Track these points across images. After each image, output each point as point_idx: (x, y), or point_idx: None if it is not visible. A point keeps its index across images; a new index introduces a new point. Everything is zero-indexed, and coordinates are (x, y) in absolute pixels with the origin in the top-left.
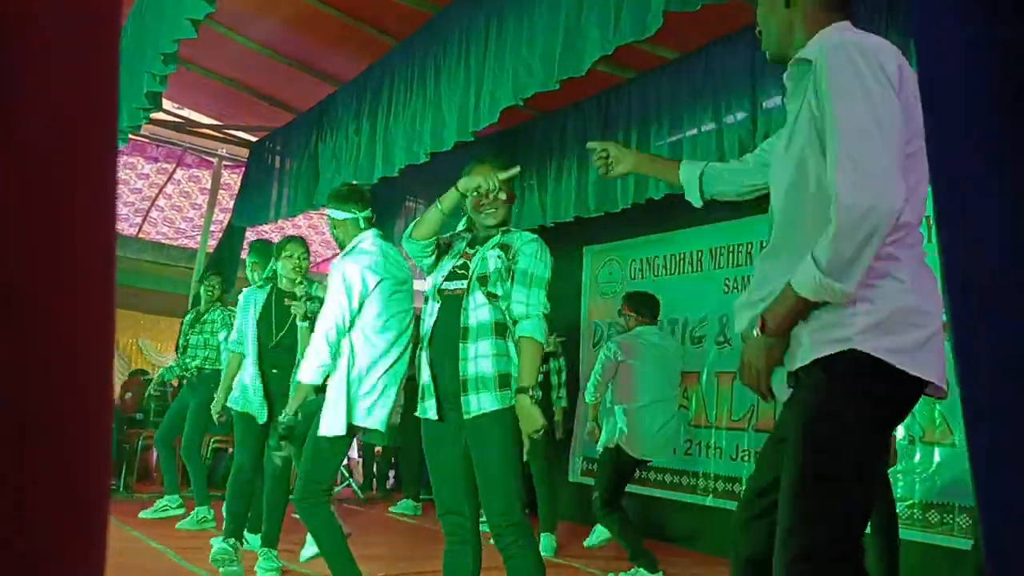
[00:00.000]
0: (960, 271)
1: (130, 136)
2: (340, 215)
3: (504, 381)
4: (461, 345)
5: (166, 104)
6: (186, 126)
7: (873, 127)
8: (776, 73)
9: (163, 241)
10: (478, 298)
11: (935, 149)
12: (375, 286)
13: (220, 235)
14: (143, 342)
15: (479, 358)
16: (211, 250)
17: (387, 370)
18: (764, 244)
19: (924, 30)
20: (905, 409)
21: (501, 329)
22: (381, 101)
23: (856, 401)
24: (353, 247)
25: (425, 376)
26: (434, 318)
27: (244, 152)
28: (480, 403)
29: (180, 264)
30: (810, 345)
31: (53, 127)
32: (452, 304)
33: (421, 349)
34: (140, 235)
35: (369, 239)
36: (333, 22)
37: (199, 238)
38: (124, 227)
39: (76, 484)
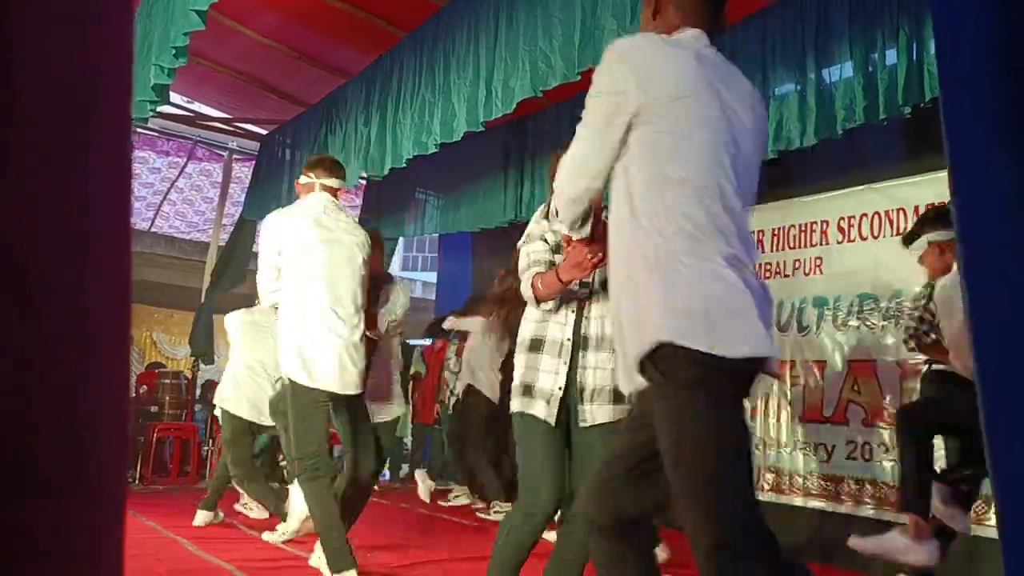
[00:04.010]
0: (974, 245)
1: (141, 130)
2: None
3: (619, 396)
4: (581, 353)
5: (177, 98)
6: (197, 120)
7: (586, 130)
8: (788, 60)
9: (175, 235)
10: (599, 308)
11: (950, 122)
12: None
13: (232, 228)
14: (157, 335)
15: (598, 369)
16: (223, 243)
17: None
18: (776, 231)
19: (942, 17)
20: (740, 382)
21: None
22: (390, 93)
23: (689, 392)
24: None
25: (551, 382)
26: (571, 328)
27: (255, 145)
28: (595, 415)
29: (192, 257)
30: (634, 347)
31: (64, 106)
32: (580, 311)
33: (548, 354)
34: (152, 229)
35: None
36: (342, 14)
37: (211, 231)
38: (136, 221)
39: (93, 468)
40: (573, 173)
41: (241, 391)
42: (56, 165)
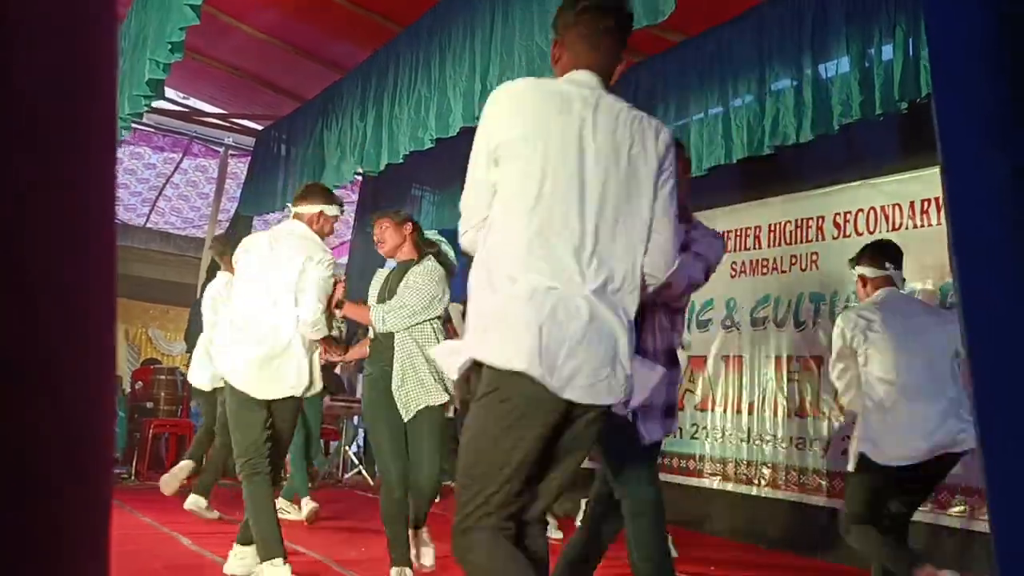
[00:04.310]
0: (967, 243)
1: (137, 126)
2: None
3: (670, 410)
4: None
5: (172, 94)
6: (192, 115)
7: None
8: (784, 55)
9: (171, 231)
10: (646, 325)
11: (942, 121)
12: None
13: (227, 224)
14: (153, 332)
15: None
16: None
17: None
18: (772, 227)
19: (935, 17)
20: (517, 398)
21: None
22: (386, 88)
23: (476, 404)
24: None
25: None
26: None
27: (250, 140)
28: (650, 433)
29: (188, 253)
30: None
31: (63, 105)
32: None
33: None
34: (148, 225)
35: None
36: (338, 9)
37: (207, 227)
38: (132, 217)
39: (92, 469)
40: (463, 215)
41: (203, 367)
42: (56, 164)
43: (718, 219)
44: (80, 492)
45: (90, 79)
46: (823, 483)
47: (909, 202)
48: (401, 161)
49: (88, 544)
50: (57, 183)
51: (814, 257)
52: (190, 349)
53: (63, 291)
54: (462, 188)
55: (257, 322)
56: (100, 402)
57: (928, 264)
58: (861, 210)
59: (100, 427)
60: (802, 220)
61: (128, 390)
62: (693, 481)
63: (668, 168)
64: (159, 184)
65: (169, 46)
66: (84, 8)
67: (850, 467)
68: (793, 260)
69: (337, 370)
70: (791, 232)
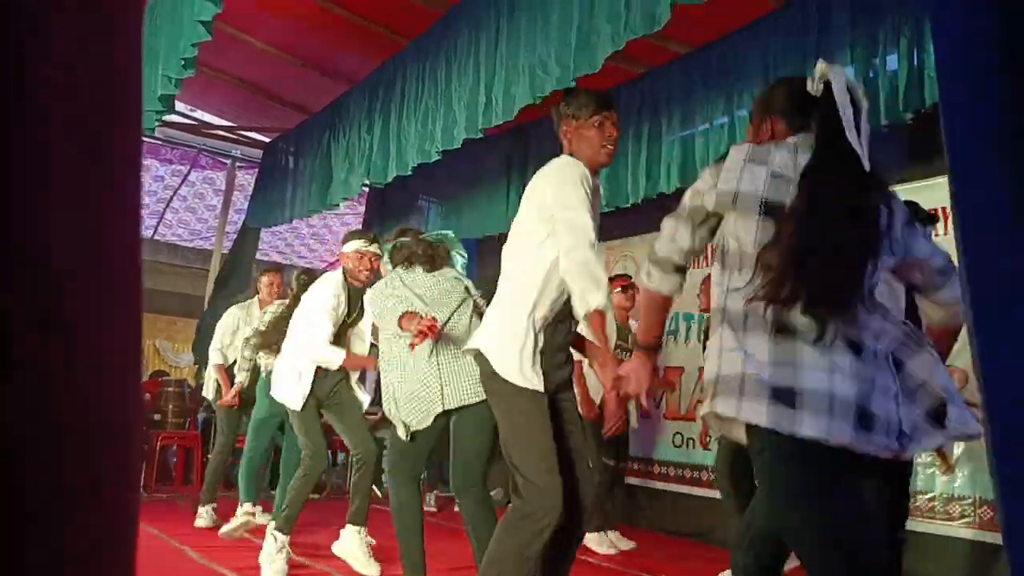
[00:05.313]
0: (977, 250)
1: (145, 139)
2: None
3: None
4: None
5: (180, 106)
6: (200, 128)
7: None
8: (788, 65)
9: (178, 242)
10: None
11: (950, 131)
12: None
13: (235, 236)
14: (160, 343)
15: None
16: (226, 251)
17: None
18: None
19: (942, 25)
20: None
21: None
22: (393, 100)
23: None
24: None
25: None
26: None
27: (258, 153)
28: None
29: (195, 265)
30: None
31: (75, 111)
32: None
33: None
34: (155, 237)
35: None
36: (344, 22)
37: (214, 239)
38: None
39: (133, 471)
40: None
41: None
42: (81, 175)
43: None
44: (112, 503)
45: (127, 90)
46: None
47: None
48: (409, 173)
49: (116, 557)
50: (90, 199)
51: None
52: (198, 361)
53: (88, 309)
54: (468, 199)
55: None
56: (140, 411)
57: None
58: None
59: (129, 440)
60: None
61: None
62: (694, 490)
63: None
64: (167, 196)
65: (182, 62)
66: (110, 14)
67: None
68: None
69: None
70: None
